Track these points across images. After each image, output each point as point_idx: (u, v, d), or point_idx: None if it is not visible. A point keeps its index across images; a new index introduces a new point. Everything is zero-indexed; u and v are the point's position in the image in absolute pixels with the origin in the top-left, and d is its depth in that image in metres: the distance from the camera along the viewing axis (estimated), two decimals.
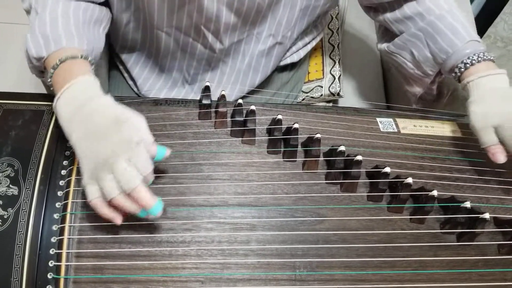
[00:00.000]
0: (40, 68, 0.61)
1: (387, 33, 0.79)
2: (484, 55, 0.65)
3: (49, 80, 0.57)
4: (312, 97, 0.96)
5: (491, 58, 0.66)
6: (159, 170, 0.59)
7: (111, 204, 0.51)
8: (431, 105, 0.78)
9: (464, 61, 0.66)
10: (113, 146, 0.50)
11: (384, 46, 0.79)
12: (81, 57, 0.57)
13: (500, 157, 0.61)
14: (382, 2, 0.74)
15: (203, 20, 0.69)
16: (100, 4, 0.68)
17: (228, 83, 0.81)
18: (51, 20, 0.59)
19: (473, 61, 0.65)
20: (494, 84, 0.64)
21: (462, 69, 0.66)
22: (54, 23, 0.59)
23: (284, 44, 0.79)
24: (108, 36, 0.83)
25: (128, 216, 0.55)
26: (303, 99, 0.97)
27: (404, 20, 0.73)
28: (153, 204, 0.50)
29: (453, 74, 0.68)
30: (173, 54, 0.78)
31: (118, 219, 0.52)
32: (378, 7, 0.77)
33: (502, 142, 0.61)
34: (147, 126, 0.53)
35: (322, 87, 0.96)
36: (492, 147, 0.61)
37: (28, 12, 0.64)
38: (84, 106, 0.52)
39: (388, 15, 0.75)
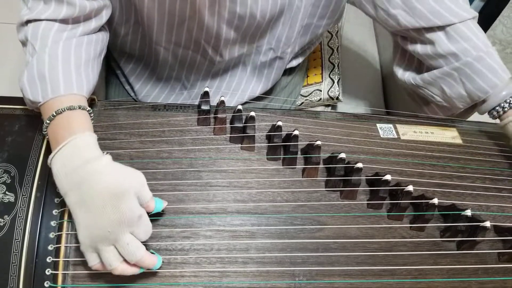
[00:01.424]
0: (37, 108, 0.57)
1: (411, 62, 0.76)
2: None
3: (44, 131, 0.55)
4: (311, 100, 0.96)
5: None
6: (158, 177, 0.58)
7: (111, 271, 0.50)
8: (430, 111, 0.78)
9: (507, 100, 0.67)
10: (113, 223, 0.48)
11: (408, 76, 0.76)
12: (79, 107, 0.54)
13: None
14: (408, 29, 0.70)
15: (203, 36, 0.69)
16: (101, 27, 0.65)
17: (229, 90, 0.81)
18: (50, 61, 0.55)
19: None
20: None
21: (506, 109, 0.67)
22: (53, 66, 0.55)
23: (284, 59, 0.79)
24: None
25: None
26: (302, 103, 0.97)
27: (437, 58, 0.70)
28: (155, 263, 0.51)
29: (494, 113, 0.69)
30: (171, 67, 0.78)
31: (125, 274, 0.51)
32: (406, 36, 0.74)
33: None
34: (146, 184, 0.51)
35: (321, 91, 0.96)
36: None
37: (23, 44, 0.60)
38: (79, 168, 0.50)
39: (419, 49, 0.72)
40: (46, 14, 0.57)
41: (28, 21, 0.58)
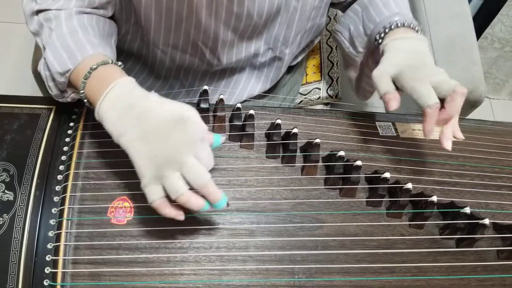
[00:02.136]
0: (63, 86, 0.57)
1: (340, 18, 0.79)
2: (406, 22, 0.64)
3: (81, 92, 0.54)
4: (310, 99, 0.96)
5: (414, 27, 0.64)
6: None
7: (175, 202, 0.49)
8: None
9: (385, 26, 0.64)
10: (179, 144, 0.48)
11: (334, 28, 0.78)
12: (112, 62, 0.55)
13: (392, 103, 0.58)
14: None
15: (200, 37, 0.69)
16: (109, 17, 0.66)
17: (227, 89, 0.81)
18: (70, 33, 0.57)
19: (392, 26, 0.64)
20: (405, 46, 0.62)
21: (382, 34, 0.64)
22: (74, 35, 0.57)
23: (283, 59, 0.79)
24: None
25: (125, 224, 0.54)
26: (301, 101, 0.97)
27: (352, 2, 0.74)
28: (221, 198, 0.50)
29: (375, 43, 0.66)
30: (169, 69, 0.78)
31: (181, 216, 0.51)
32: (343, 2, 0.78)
33: (402, 91, 0.60)
34: (199, 116, 0.51)
35: (320, 89, 0.96)
36: (387, 94, 0.59)
37: (36, 33, 0.61)
38: (135, 105, 0.50)
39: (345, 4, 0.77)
40: (57, 6, 0.59)
41: (38, 11, 0.59)
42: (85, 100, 0.55)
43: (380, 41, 0.65)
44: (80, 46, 0.56)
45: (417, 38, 0.63)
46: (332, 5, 0.81)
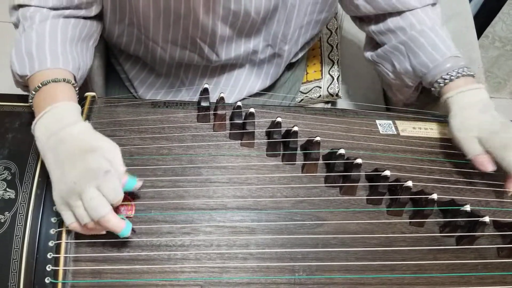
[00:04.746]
0: (24, 84, 0.60)
1: (371, 42, 0.80)
2: (463, 71, 0.66)
3: (30, 101, 0.57)
4: (310, 97, 0.96)
5: (471, 73, 0.66)
6: (158, 173, 0.58)
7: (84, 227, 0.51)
8: (428, 107, 0.78)
9: (443, 76, 0.66)
10: (79, 175, 0.49)
11: (368, 54, 0.80)
12: (64, 80, 0.57)
13: (488, 166, 0.61)
14: (367, 14, 0.75)
15: (198, 33, 0.70)
16: (91, 17, 0.67)
17: (227, 87, 0.81)
18: (37, 38, 0.59)
19: (452, 77, 0.66)
20: (473, 99, 0.65)
21: (442, 85, 0.66)
22: (40, 42, 0.58)
23: (282, 56, 0.80)
24: (105, 40, 0.82)
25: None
26: (301, 100, 0.97)
27: (387, 33, 0.74)
28: (121, 229, 0.51)
29: (433, 89, 0.69)
30: (169, 66, 0.78)
31: (102, 231, 0.52)
32: (363, 18, 0.78)
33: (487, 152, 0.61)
34: (120, 155, 0.52)
35: (320, 87, 0.96)
36: (479, 156, 0.61)
37: (16, 26, 0.63)
38: (57, 133, 0.52)
39: (373, 27, 0.76)
40: (35, 1, 0.61)
41: (19, 5, 0.61)
42: (32, 109, 0.57)
43: (438, 89, 0.67)
44: (41, 56, 0.58)
45: (479, 88, 0.65)
46: (353, 18, 0.80)
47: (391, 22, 0.72)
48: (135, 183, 0.53)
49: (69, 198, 0.50)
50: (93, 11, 0.66)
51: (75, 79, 0.60)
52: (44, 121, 0.54)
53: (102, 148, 0.51)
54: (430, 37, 0.69)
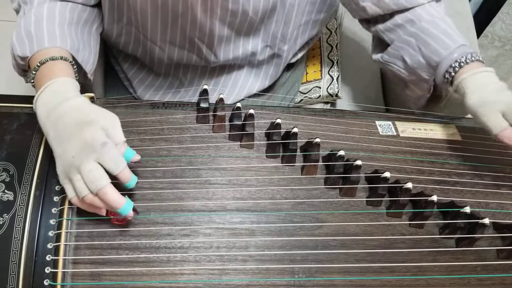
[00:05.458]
0: (24, 67, 0.61)
1: (380, 44, 0.79)
2: (475, 56, 0.65)
3: (32, 81, 0.58)
4: (310, 98, 0.96)
5: (481, 59, 0.66)
6: (157, 175, 0.58)
7: (84, 201, 0.51)
8: (429, 108, 0.78)
9: (458, 60, 0.65)
10: (77, 148, 0.50)
11: (378, 56, 0.78)
12: (61, 58, 0.57)
13: None
14: (374, 16, 0.74)
15: (196, 33, 0.69)
16: (92, 6, 0.68)
17: (226, 87, 0.81)
18: (36, 20, 0.59)
19: (468, 60, 0.65)
20: (488, 80, 0.64)
21: (457, 68, 0.65)
22: (38, 23, 0.59)
23: (281, 56, 0.79)
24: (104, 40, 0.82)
25: (125, 224, 0.54)
26: (301, 100, 0.97)
27: (395, 28, 0.73)
28: (121, 205, 0.50)
29: (447, 75, 0.67)
30: (168, 66, 0.78)
31: (101, 211, 0.52)
32: (370, 19, 0.77)
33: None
34: (119, 125, 0.53)
35: (320, 88, 0.96)
36: (506, 131, 0.59)
37: (17, 11, 0.64)
38: (57, 107, 0.53)
39: (380, 26, 0.75)
40: None
41: None
42: (35, 88, 0.58)
43: (453, 74, 0.66)
44: (39, 36, 0.58)
45: (491, 71, 0.65)
46: (361, 20, 0.79)
47: (398, 17, 0.72)
48: (133, 156, 0.53)
49: (69, 172, 0.50)
50: (92, 0, 0.67)
51: (74, 59, 0.60)
52: (43, 96, 0.54)
53: (98, 120, 0.52)
54: (441, 26, 0.68)
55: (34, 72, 0.57)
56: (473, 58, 0.65)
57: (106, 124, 0.52)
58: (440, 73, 0.68)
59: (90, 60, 0.65)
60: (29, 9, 0.61)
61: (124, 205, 0.50)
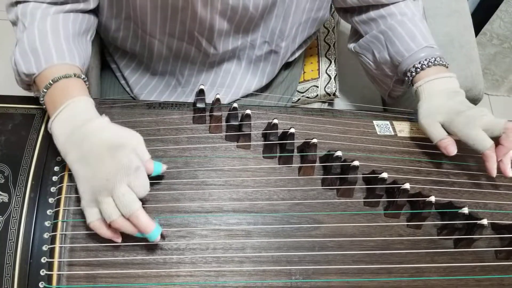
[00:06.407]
0: (29, 82, 0.59)
1: (355, 34, 0.81)
2: (435, 60, 0.66)
3: (41, 99, 0.56)
4: (307, 97, 0.95)
5: (444, 63, 0.67)
6: (153, 176, 0.58)
7: (110, 226, 0.51)
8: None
9: (416, 65, 0.67)
10: (111, 173, 0.49)
11: (351, 46, 0.80)
12: (75, 75, 0.56)
13: (452, 148, 0.61)
14: (352, 6, 0.75)
15: (196, 27, 0.69)
16: (89, 11, 0.67)
17: (223, 86, 0.80)
18: (40, 35, 0.58)
19: (423, 66, 0.66)
20: (441, 87, 0.65)
21: (414, 74, 0.67)
22: (43, 38, 0.58)
23: (279, 53, 0.79)
24: (101, 37, 0.82)
25: None
26: (298, 99, 0.96)
27: (369, 22, 0.75)
28: (151, 230, 0.50)
29: (406, 79, 0.69)
30: (166, 59, 0.78)
31: (118, 239, 0.52)
32: (348, 9, 0.78)
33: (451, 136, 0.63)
34: (144, 144, 0.53)
35: (317, 87, 0.95)
36: (443, 141, 0.62)
37: (14, 23, 0.62)
38: (80, 128, 0.52)
39: (356, 17, 0.77)
40: None
41: (17, 2, 0.60)
42: (44, 107, 0.57)
43: (411, 78, 0.68)
44: (46, 52, 0.57)
45: (450, 76, 0.66)
46: (338, 9, 0.80)
47: (373, 12, 0.73)
48: (161, 168, 0.54)
49: (99, 194, 0.50)
50: (91, 4, 0.66)
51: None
52: (62, 117, 0.53)
53: (129, 142, 0.51)
54: (409, 27, 0.70)
55: (45, 90, 0.56)
56: (430, 64, 0.66)
57: (135, 144, 0.52)
58: (401, 73, 0.70)
59: (85, 71, 0.65)
60: (31, 23, 0.59)
61: (153, 230, 0.50)
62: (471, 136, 0.61)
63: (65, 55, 0.57)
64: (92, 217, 0.51)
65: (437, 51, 0.68)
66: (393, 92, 0.79)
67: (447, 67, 0.67)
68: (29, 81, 0.59)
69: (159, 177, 0.58)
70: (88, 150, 0.51)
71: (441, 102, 0.64)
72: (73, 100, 0.54)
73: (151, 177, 0.53)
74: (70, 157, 0.52)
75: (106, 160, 0.50)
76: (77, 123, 0.52)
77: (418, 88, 0.67)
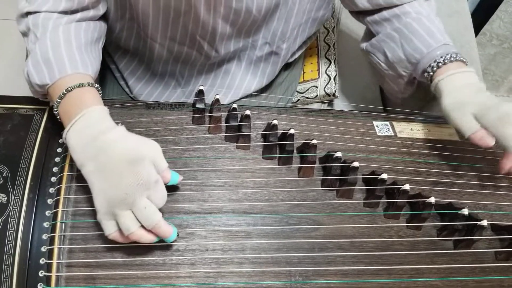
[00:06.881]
0: (43, 93, 0.58)
1: (368, 34, 0.80)
2: (456, 56, 0.65)
3: (55, 110, 0.56)
4: (307, 97, 0.95)
5: (463, 59, 0.66)
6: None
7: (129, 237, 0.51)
8: (428, 108, 0.78)
9: (437, 60, 0.65)
10: (130, 187, 0.49)
11: (363, 45, 0.79)
12: (88, 84, 0.56)
13: (488, 140, 0.59)
14: (363, 9, 0.75)
15: (198, 31, 0.69)
16: (99, 18, 0.66)
17: (223, 86, 0.80)
18: (52, 45, 0.57)
19: (446, 61, 0.65)
20: (465, 81, 0.64)
21: (435, 68, 0.65)
22: (56, 48, 0.57)
23: (279, 54, 0.79)
24: None
25: None
26: (298, 100, 0.96)
27: (382, 22, 0.74)
28: (171, 234, 0.51)
29: (425, 74, 0.67)
30: (166, 61, 0.78)
31: (147, 239, 0.52)
32: (360, 12, 0.77)
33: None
34: (161, 153, 0.52)
35: (317, 87, 0.95)
36: (478, 133, 0.59)
37: (25, 34, 0.61)
38: (96, 138, 0.51)
39: (368, 18, 0.76)
40: (46, 7, 0.59)
41: (28, 13, 0.59)
42: (58, 117, 0.56)
43: (431, 73, 0.66)
44: (60, 62, 0.56)
45: (470, 71, 0.65)
46: (352, 13, 0.80)
47: (386, 12, 0.73)
48: (177, 178, 0.54)
49: (117, 207, 0.49)
50: (101, 9, 0.65)
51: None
52: (77, 127, 0.53)
53: (147, 154, 0.51)
54: (425, 24, 0.69)
55: (59, 100, 0.55)
56: (452, 59, 0.65)
57: (153, 155, 0.52)
58: (419, 71, 0.68)
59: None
60: (43, 34, 0.58)
61: (172, 233, 0.51)
62: (504, 134, 0.58)
63: (78, 65, 0.57)
64: (110, 229, 0.50)
65: (453, 48, 0.67)
66: (404, 93, 0.78)
67: (466, 64, 0.66)
68: (43, 92, 0.58)
69: None
70: (105, 163, 0.50)
71: (469, 95, 0.62)
72: (88, 110, 0.53)
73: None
74: (86, 169, 0.51)
75: (124, 174, 0.49)
76: (93, 133, 0.52)
77: (440, 82, 0.64)
